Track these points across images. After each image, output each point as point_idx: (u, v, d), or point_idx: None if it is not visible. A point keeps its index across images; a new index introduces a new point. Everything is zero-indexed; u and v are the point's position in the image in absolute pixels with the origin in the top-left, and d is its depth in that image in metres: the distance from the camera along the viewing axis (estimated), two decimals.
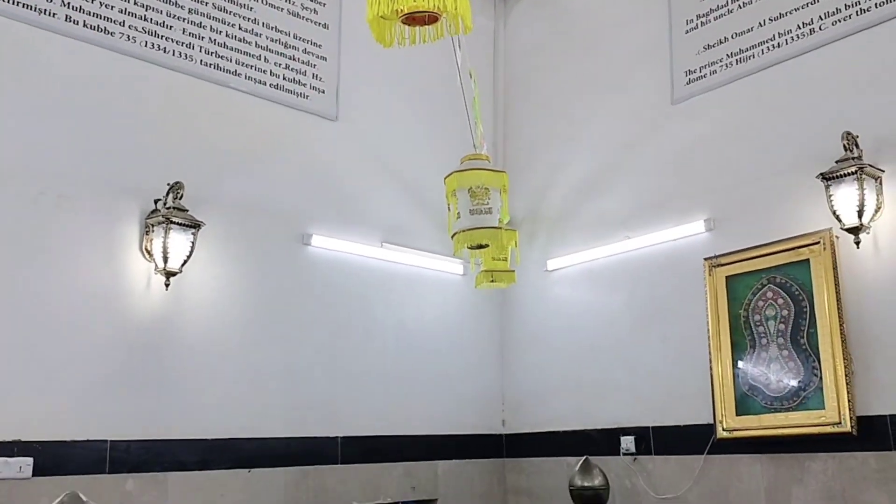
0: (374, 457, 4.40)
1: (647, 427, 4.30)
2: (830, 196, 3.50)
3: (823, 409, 3.53)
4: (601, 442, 4.47)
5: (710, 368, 3.96)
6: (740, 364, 3.88)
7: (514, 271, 3.73)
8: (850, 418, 3.43)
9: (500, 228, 3.33)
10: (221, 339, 3.95)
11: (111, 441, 3.49)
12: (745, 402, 3.83)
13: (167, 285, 3.71)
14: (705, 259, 4.11)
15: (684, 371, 4.17)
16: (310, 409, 4.20)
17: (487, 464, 4.96)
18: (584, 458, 3.21)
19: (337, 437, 4.28)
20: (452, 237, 3.30)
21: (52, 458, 3.32)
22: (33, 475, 3.25)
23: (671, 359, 4.26)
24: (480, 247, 3.35)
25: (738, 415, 3.83)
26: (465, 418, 4.91)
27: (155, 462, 3.61)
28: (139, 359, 3.66)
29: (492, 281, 3.68)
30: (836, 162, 3.52)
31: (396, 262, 4.75)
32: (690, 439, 4.06)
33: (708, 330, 4.01)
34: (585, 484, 3.05)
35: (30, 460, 3.25)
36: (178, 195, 3.75)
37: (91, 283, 3.60)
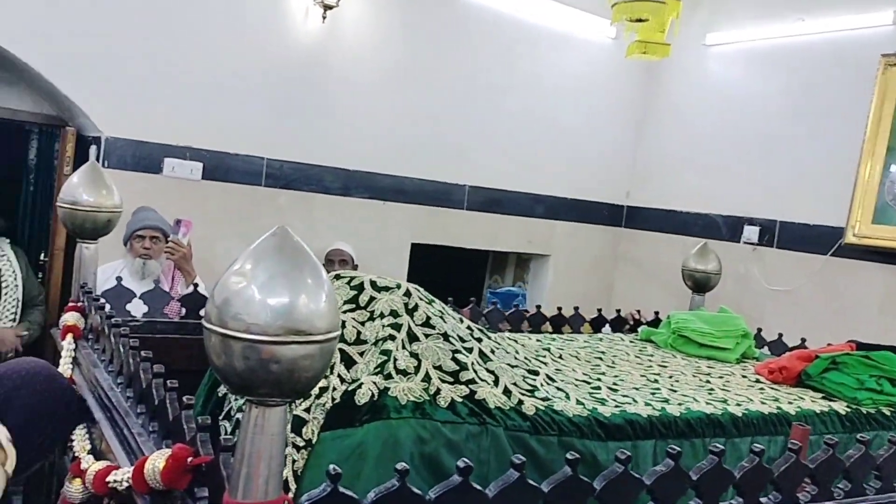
0: (497, 208, 4.63)
1: (775, 220, 4.28)
2: None
3: None
4: (723, 227, 4.52)
5: (857, 172, 3.80)
6: (891, 172, 3.71)
7: (669, 45, 3.54)
8: None
9: (664, 3, 3.12)
10: (369, 78, 4.09)
11: (267, 159, 3.84)
12: (886, 212, 3.72)
13: (324, 18, 3.80)
14: (883, 55, 3.77)
15: (826, 170, 4.03)
16: (442, 155, 4.40)
17: (604, 231, 5.13)
18: (703, 242, 3.29)
19: (465, 185, 4.50)
20: (613, 6, 3.15)
21: (218, 166, 3.72)
22: (202, 178, 3.67)
23: (816, 156, 4.11)
24: (639, 20, 3.18)
25: (873, 223, 3.74)
26: (590, 185, 5.00)
27: (303, 182, 3.96)
28: (294, 87, 3.88)
29: (644, 52, 3.52)
30: None
31: (546, 18, 4.60)
32: (816, 239, 4.03)
33: (865, 132, 3.79)
34: (699, 267, 3.15)
35: (199, 165, 3.66)
36: None
37: (251, 8, 3.73)
